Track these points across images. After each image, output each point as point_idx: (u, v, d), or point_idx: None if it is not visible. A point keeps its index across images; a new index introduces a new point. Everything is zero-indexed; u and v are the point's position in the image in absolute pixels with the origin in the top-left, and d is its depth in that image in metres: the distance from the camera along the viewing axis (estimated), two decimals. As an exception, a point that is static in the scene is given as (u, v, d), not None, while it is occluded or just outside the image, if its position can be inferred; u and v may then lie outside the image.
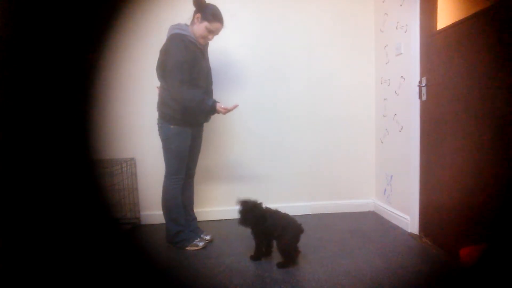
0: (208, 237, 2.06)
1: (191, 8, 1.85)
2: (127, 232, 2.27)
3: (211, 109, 1.83)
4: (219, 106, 1.84)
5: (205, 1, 1.84)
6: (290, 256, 1.68)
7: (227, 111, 1.84)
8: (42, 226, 1.24)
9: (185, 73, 1.76)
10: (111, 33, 2.27)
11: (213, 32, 1.86)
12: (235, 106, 1.84)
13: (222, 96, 2.46)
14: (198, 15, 1.81)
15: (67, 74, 1.34)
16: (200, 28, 1.82)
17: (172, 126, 1.85)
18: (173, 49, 1.76)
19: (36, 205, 1.21)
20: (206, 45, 1.97)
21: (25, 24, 1.18)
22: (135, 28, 2.35)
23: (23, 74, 1.19)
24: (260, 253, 1.78)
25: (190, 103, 1.78)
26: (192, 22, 1.85)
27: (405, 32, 2.11)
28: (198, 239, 2.00)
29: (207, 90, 1.98)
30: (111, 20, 2.20)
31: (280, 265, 1.67)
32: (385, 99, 2.44)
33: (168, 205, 1.92)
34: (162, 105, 1.87)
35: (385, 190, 2.48)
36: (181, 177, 1.94)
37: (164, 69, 1.81)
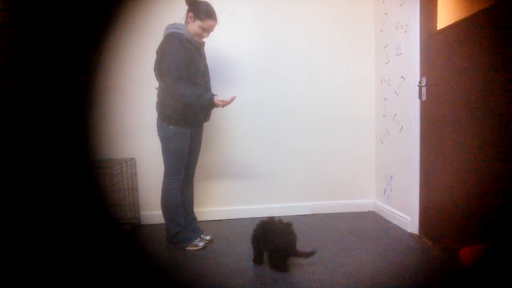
0: (208, 237, 2.06)
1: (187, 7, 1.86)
2: (127, 232, 2.27)
3: (209, 103, 1.83)
4: (217, 99, 1.83)
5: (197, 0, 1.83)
6: (277, 266, 1.65)
7: (225, 103, 1.84)
8: (42, 226, 1.24)
9: (182, 70, 1.76)
10: (111, 33, 2.28)
11: (207, 30, 1.86)
12: (233, 98, 1.84)
13: (221, 96, 2.45)
14: (191, 14, 1.82)
15: (67, 75, 1.34)
16: (194, 27, 1.82)
17: (171, 127, 1.85)
18: (168, 47, 1.76)
19: (36, 205, 1.21)
20: (202, 43, 1.97)
21: (26, 25, 1.18)
22: (135, 29, 2.35)
23: (23, 75, 1.19)
24: (259, 256, 1.75)
25: (189, 99, 1.78)
26: (186, 21, 1.85)
27: (405, 32, 2.11)
28: (198, 239, 2.00)
29: (205, 88, 1.98)
30: (111, 20, 2.20)
31: (270, 267, 1.67)
32: (385, 99, 2.44)
33: (167, 205, 1.92)
34: (161, 106, 1.87)
35: (385, 190, 2.48)
36: (180, 178, 1.94)
37: (160, 68, 1.81)
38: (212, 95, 1.84)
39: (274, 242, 1.60)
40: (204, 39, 1.97)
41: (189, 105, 1.82)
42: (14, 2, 1.13)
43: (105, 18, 2.04)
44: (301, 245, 1.91)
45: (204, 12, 1.81)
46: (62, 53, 1.31)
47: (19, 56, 1.18)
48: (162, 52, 1.79)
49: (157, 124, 1.91)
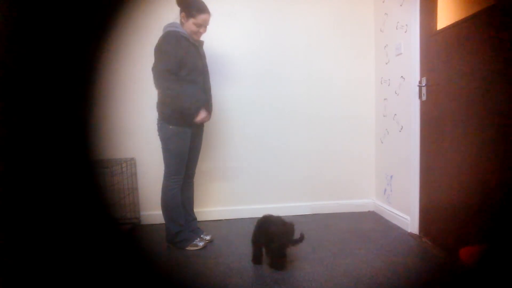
0: (208, 237, 2.06)
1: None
2: (127, 232, 2.27)
3: (190, 110, 1.83)
4: (201, 116, 1.88)
5: None
6: (276, 261, 1.67)
7: (201, 121, 1.93)
8: (42, 226, 1.24)
9: (173, 64, 1.76)
10: (111, 33, 2.27)
11: (202, 25, 1.86)
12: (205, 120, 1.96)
13: (221, 95, 2.46)
14: (183, 13, 1.83)
15: (67, 75, 1.34)
16: (189, 25, 1.83)
17: (171, 126, 1.85)
18: (162, 45, 1.78)
19: (36, 205, 1.21)
20: (201, 42, 1.97)
21: (25, 25, 1.18)
22: (136, 29, 2.35)
23: (23, 75, 1.19)
24: (258, 255, 1.76)
25: (171, 93, 1.79)
26: (181, 22, 1.86)
27: (405, 32, 2.11)
28: (198, 239, 2.00)
29: (204, 87, 1.96)
30: (111, 20, 2.20)
31: (269, 265, 1.69)
32: (385, 99, 2.44)
33: (167, 205, 1.92)
34: (162, 105, 1.87)
35: (385, 190, 2.48)
36: (181, 178, 1.94)
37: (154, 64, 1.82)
38: (199, 108, 1.87)
39: (271, 232, 1.62)
40: (203, 38, 1.97)
41: (171, 101, 1.81)
42: (14, 2, 1.14)
43: (105, 18, 2.04)
44: (302, 245, 1.91)
45: (194, 9, 1.81)
46: (62, 53, 1.31)
47: (19, 56, 1.18)
48: (157, 48, 1.80)
49: (158, 124, 1.91)
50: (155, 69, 1.81)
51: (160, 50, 1.78)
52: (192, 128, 1.94)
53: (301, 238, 1.67)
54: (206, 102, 1.96)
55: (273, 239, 1.63)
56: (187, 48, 1.81)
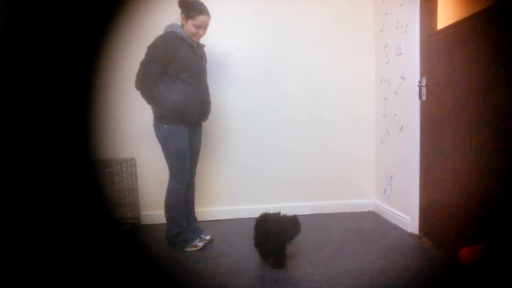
0: (208, 237, 2.06)
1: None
2: (127, 232, 2.27)
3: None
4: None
5: (186, 0, 1.84)
6: (276, 261, 1.68)
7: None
8: (42, 226, 1.24)
9: (154, 69, 1.78)
10: (111, 33, 2.27)
11: (201, 27, 1.86)
12: None
13: (221, 96, 2.46)
14: (183, 15, 1.84)
15: (67, 75, 1.34)
16: (188, 27, 1.83)
17: (166, 126, 1.84)
18: (152, 46, 1.80)
19: (37, 205, 1.21)
20: (202, 45, 1.97)
21: (26, 25, 1.18)
22: (135, 28, 2.35)
23: (23, 75, 1.19)
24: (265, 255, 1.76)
25: (144, 92, 1.85)
26: (181, 24, 1.87)
27: (405, 32, 2.11)
28: (198, 239, 2.00)
29: (201, 87, 1.96)
30: (112, 20, 2.20)
31: (271, 265, 1.69)
32: (385, 99, 2.44)
33: (171, 205, 1.92)
34: (156, 105, 1.86)
35: (385, 190, 2.48)
36: (186, 176, 1.92)
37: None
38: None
39: (268, 231, 1.63)
40: (204, 41, 1.97)
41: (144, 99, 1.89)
42: (14, 2, 1.14)
43: (105, 18, 2.05)
44: (302, 245, 1.92)
45: (194, 10, 1.81)
46: (62, 53, 1.31)
47: (19, 56, 1.18)
48: (147, 48, 1.82)
49: (154, 125, 1.90)
50: (140, 65, 1.84)
51: (148, 51, 1.81)
52: (188, 126, 1.93)
53: (297, 229, 1.68)
54: (201, 103, 1.95)
55: (270, 239, 1.63)
56: (182, 49, 1.80)
